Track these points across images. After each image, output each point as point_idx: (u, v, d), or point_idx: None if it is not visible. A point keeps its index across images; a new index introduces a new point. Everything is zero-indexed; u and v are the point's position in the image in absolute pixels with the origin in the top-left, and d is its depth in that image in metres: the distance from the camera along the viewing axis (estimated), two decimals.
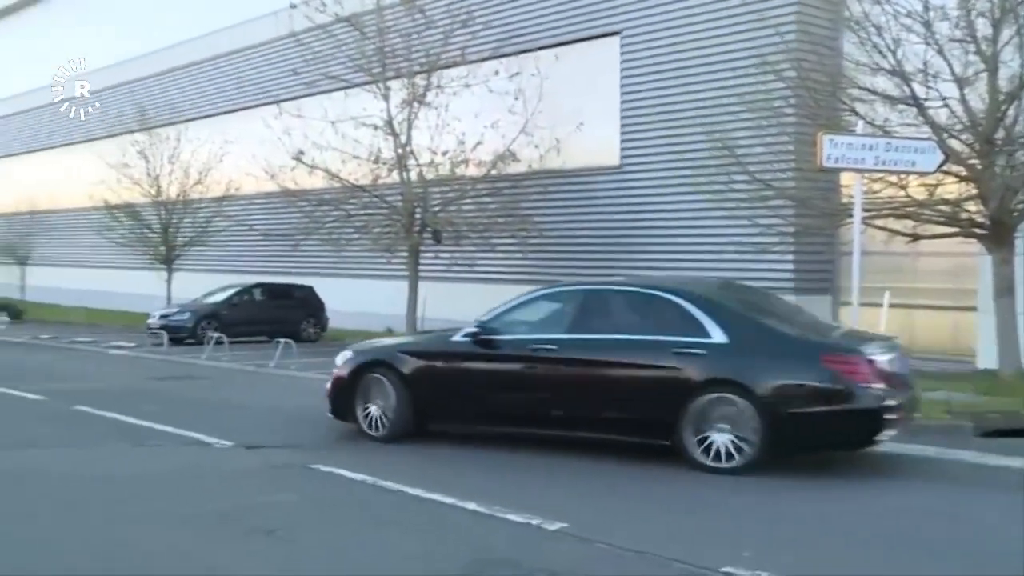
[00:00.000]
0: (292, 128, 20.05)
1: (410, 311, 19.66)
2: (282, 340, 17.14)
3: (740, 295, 8.24)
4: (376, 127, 19.18)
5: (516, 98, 19.12)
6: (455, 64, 19.19)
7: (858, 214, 10.42)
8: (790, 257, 16.10)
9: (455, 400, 8.47)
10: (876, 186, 12.85)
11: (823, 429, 7.08)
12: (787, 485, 7.06)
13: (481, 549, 5.39)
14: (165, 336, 21.00)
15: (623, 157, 19.05)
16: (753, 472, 7.25)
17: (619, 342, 7.69)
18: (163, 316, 22.83)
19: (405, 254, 19.73)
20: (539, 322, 8.26)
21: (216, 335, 18.97)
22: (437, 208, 19.32)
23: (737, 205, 14.43)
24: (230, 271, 29.14)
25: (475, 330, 8.41)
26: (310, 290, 23.89)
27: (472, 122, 19.09)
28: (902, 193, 12.94)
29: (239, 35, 29.75)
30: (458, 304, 18.47)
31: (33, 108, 42.90)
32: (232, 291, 23.47)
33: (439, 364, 8.54)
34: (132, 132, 28.87)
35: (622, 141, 19.01)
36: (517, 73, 19.28)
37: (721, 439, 7.26)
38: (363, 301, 24.22)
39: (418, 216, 19.26)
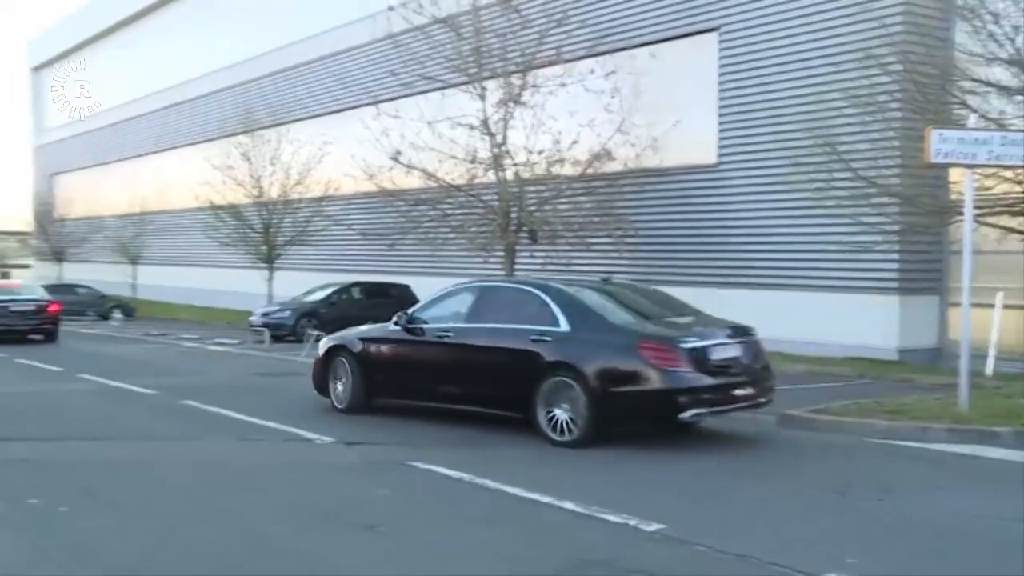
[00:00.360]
0: (390, 128, 20.30)
1: None
2: None
3: (612, 292, 9.30)
4: (472, 127, 19.26)
5: (612, 96, 19.10)
6: (551, 63, 19.17)
7: (969, 211, 10.15)
8: (895, 256, 15.72)
9: (389, 378, 10.17)
10: (989, 182, 12.47)
11: (636, 406, 8.21)
12: (897, 494, 6.98)
13: (578, 549, 5.39)
14: (267, 333, 21.52)
15: (720, 155, 18.82)
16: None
17: (494, 330, 9.10)
18: (265, 314, 23.42)
19: (501, 253, 19.80)
20: (448, 313, 9.76)
21: (315, 332, 19.29)
22: (533, 207, 19.32)
23: (838, 203, 14.15)
24: (328, 270, 29.76)
25: (405, 319, 10.07)
26: (406, 289, 24.20)
27: (568, 121, 19.08)
28: (1018, 188, 12.61)
29: (339, 38, 30.28)
30: None
31: (145, 113, 44.66)
32: (331, 290, 23.95)
33: (380, 348, 10.27)
34: (236, 135, 29.73)
35: (720, 138, 18.79)
36: (613, 72, 19.18)
37: (561, 415, 8.49)
38: None
39: (514, 215, 19.29)
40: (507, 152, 19.32)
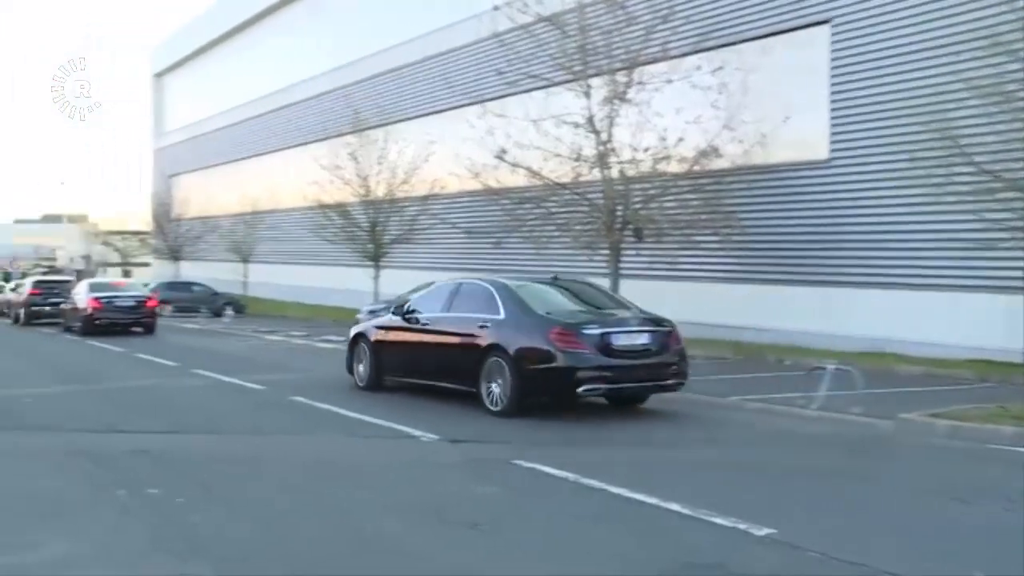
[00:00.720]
0: (495, 127, 20.37)
1: None
2: None
3: (552, 287, 11.44)
4: (577, 125, 19.17)
5: (719, 92, 18.79)
6: (656, 60, 18.95)
7: None
8: (1022, 254, 15.08)
9: (391, 359, 12.33)
10: None
11: (545, 381, 10.14)
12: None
13: (686, 552, 5.35)
14: None
15: (832, 150, 18.31)
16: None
17: (457, 318, 11.21)
18: (370, 311, 23.72)
19: (606, 252, 19.66)
20: (433, 304, 11.77)
21: None
22: (638, 205, 19.13)
23: (959, 199, 13.66)
24: (434, 268, 30.04)
25: (402, 309, 12.20)
26: None
27: (674, 118, 18.84)
28: None
29: (444, 38, 30.56)
30: (659, 303, 18.24)
31: (256, 116, 46.06)
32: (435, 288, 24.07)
33: (386, 335, 12.39)
34: (343, 135, 30.34)
35: (832, 133, 18.29)
36: (720, 67, 18.86)
37: (496, 389, 10.44)
38: None
39: (619, 213, 19.12)
40: (612, 150, 19.16)
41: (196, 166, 53.40)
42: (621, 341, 10.41)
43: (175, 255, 48.30)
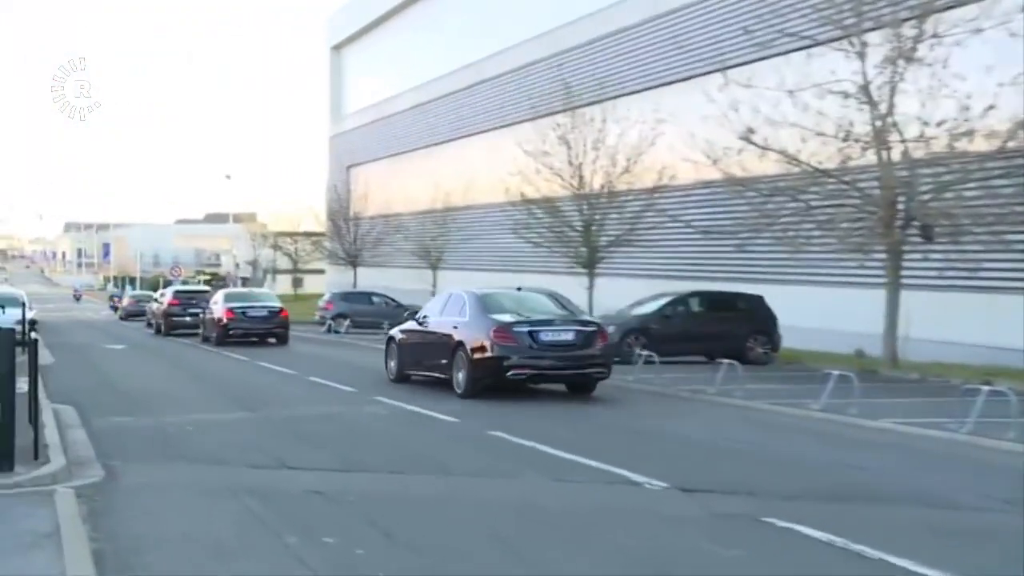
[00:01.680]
0: (740, 100, 20.09)
1: (889, 329, 18.82)
2: (724, 361, 17.37)
3: (511, 295, 17.81)
4: (847, 94, 18.62)
5: None
6: (959, 3, 17.99)
7: None
8: None
9: (408, 357, 18.50)
10: None
11: (486, 369, 16.06)
12: None
13: None
14: None
15: None
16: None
17: (442, 321, 17.41)
18: None
19: (882, 256, 18.98)
20: (434, 310, 18.23)
21: (645, 353, 19.51)
22: (927, 196, 18.34)
23: None
24: (660, 276, 29.90)
25: (418, 315, 18.71)
26: (759, 300, 23.74)
27: (982, 79, 17.71)
28: None
29: None
30: (955, 320, 17.43)
31: (447, 94, 47.43)
32: (664, 300, 23.96)
33: (406, 336, 18.73)
34: (552, 114, 30.66)
35: None
36: None
37: (460, 376, 16.37)
38: (826, 315, 23.82)
39: (901, 207, 18.45)
40: (894, 125, 18.46)
41: (378, 155, 55.63)
42: (547, 337, 16.37)
43: (353, 260, 50.44)
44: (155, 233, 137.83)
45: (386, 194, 51.11)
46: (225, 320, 30.73)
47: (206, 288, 46.16)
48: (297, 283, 75.52)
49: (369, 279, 49.49)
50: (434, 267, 42.87)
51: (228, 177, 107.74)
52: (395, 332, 19.47)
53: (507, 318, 16.55)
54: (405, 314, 37.56)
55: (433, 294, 43.22)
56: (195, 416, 14.36)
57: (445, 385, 16.89)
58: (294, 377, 20.22)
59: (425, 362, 17.93)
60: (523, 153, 30.60)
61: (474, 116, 44.76)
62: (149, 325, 41.88)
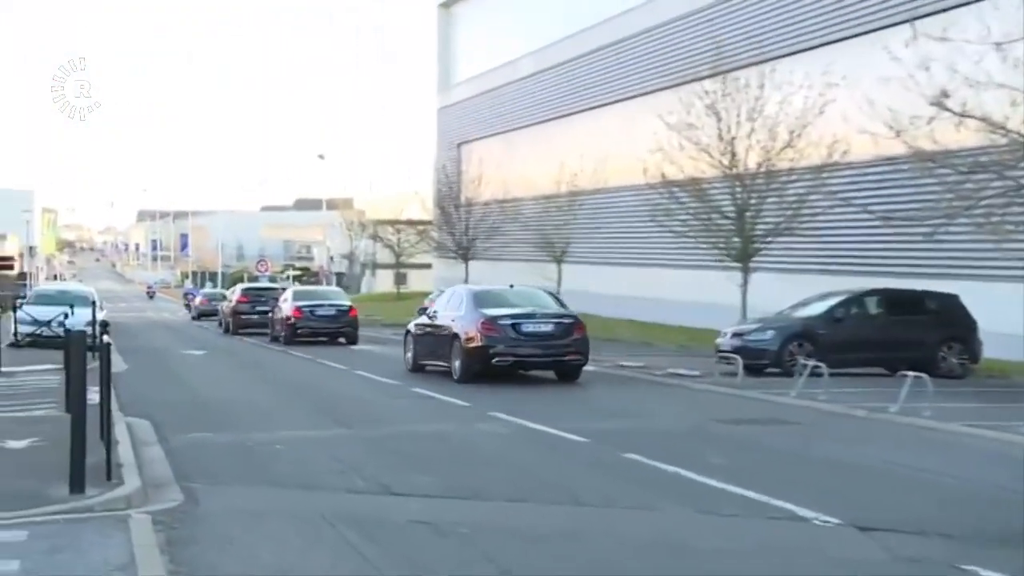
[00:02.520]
0: (932, 58, 19.61)
1: None
2: (909, 373, 16.94)
3: (504, 292, 23.70)
4: None
5: None
6: None
7: None
8: None
9: (419, 347, 23.85)
10: None
11: (476, 358, 21.49)
12: None
13: None
14: (739, 362, 21.60)
15: None
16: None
17: (445, 315, 23.05)
18: (737, 335, 23.47)
19: None
20: (442, 305, 24.08)
21: (811, 363, 19.10)
22: None
23: None
24: (827, 272, 29.49)
25: (428, 310, 25.02)
26: (953, 300, 23.34)
27: None
28: None
29: None
30: None
31: (572, 59, 47.48)
32: (835, 301, 23.49)
33: (418, 330, 24.18)
34: (699, 79, 30.31)
35: None
36: None
37: (456, 364, 22.00)
38: None
39: None
40: None
41: (492, 130, 55.95)
42: (528, 328, 21.68)
43: (464, 253, 50.75)
44: (239, 222, 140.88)
45: (502, 176, 51.25)
46: (293, 319, 34.63)
47: (275, 286, 50.61)
48: (400, 279, 76.33)
49: (482, 274, 49.65)
50: (558, 260, 42.61)
51: (321, 157, 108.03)
52: (411, 326, 25.08)
53: (494, 312, 21.94)
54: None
55: (557, 292, 43.40)
56: (283, 432, 14.64)
57: (566, 402, 18.77)
58: (390, 386, 20.81)
59: (434, 352, 23.27)
60: (664, 126, 30.34)
61: (605, 84, 44.64)
62: (220, 324, 45.81)
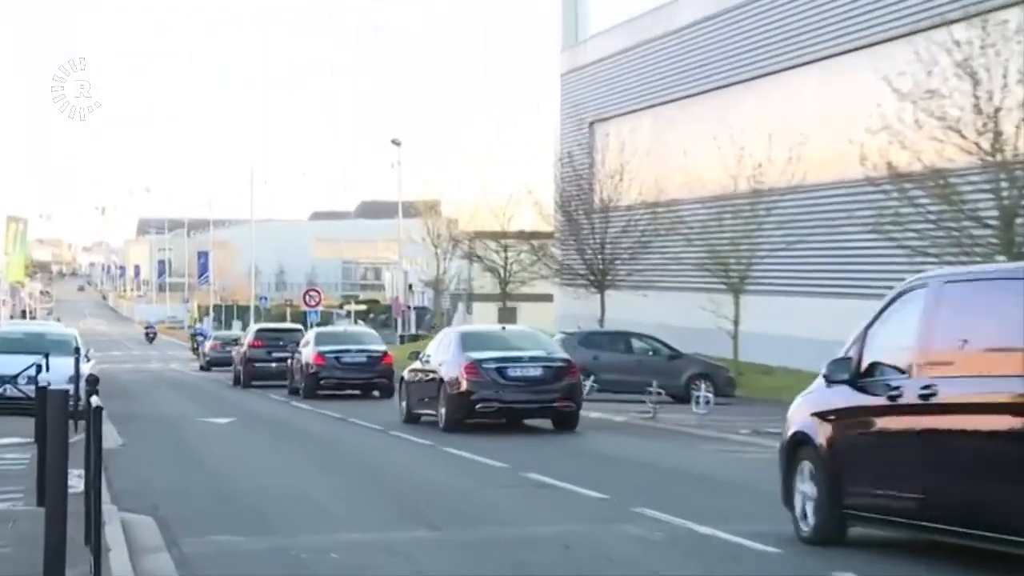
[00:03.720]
0: None
1: None
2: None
3: (493, 333, 32.65)
4: None
5: None
6: None
7: None
8: None
9: (411, 395, 30.92)
10: None
11: (459, 405, 28.05)
12: None
13: None
14: None
15: None
16: None
17: (433, 359, 30.16)
18: None
19: None
20: (434, 348, 31.06)
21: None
22: None
23: None
24: None
25: (422, 355, 31.84)
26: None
27: None
28: None
29: None
30: None
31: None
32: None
33: (412, 375, 31.14)
34: (946, 24, 29.88)
35: None
36: None
37: (442, 411, 28.36)
38: None
39: None
40: None
41: (639, 102, 56.10)
42: (514, 372, 27.53)
43: (598, 279, 50.49)
44: (280, 235, 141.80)
45: (654, 168, 51.05)
46: (315, 367, 38.96)
47: (294, 327, 54.16)
48: (507, 316, 75.85)
49: (625, 310, 49.41)
50: (736, 290, 42.23)
51: (396, 143, 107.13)
52: (405, 372, 31.33)
53: (479, 355, 27.75)
54: (688, 373, 37.79)
55: (735, 336, 42.91)
56: (341, 534, 14.62)
57: (727, 490, 19.03)
58: (492, 469, 20.93)
59: (423, 400, 29.48)
60: (892, 95, 29.98)
61: (804, 33, 44.41)
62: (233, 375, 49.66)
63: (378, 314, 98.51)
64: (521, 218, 71.45)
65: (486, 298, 78.28)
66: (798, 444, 14.61)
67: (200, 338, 79.67)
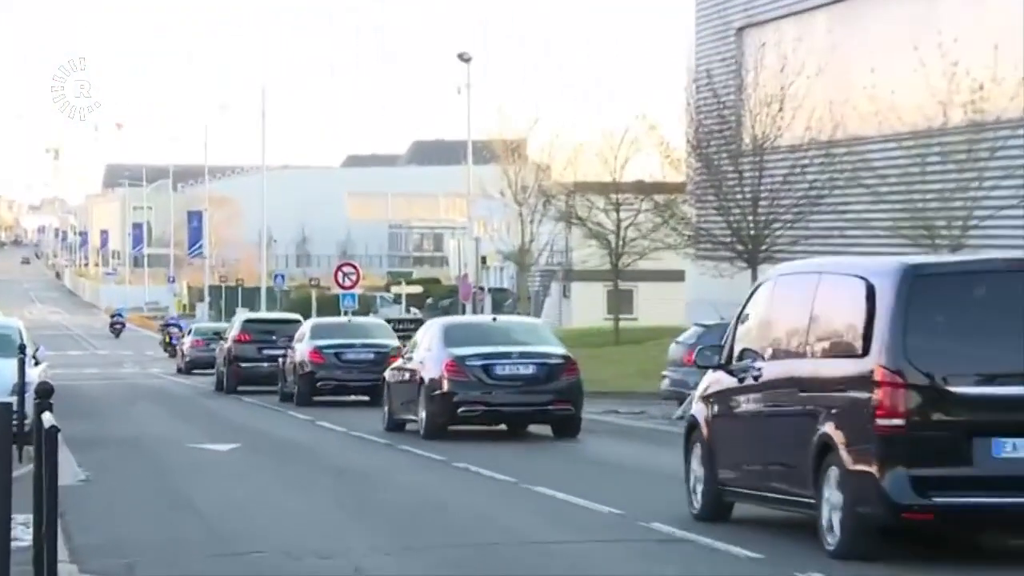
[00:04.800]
0: None
1: None
2: None
3: (482, 325, 41.71)
4: None
5: None
6: None
7: None
8: None
9: (396, 401, 37.90)
10: None
11: (440, 408, 34.07)
12: None
13: None
14: None
15: None
16: None
17: (417, 355, 37.14)
18: None
19: None
20: (418, 343, 38.31)
21: None
22: None
23: None
24: None
25: (404, 351, 42.19)
26: None
27: None
28: None
29: None
30: None
31: None
32: None
33: (395, 376, 38.45)
34: None
35: None
36: None
37: (422, 415, 34.54)
38: None
39: None
40: None
41: (804, 3, 55.80)
42: (503, 371, 33.09)
43: (749, 248, 50.39)
44: (303, 187, 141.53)
45: (829, 93, 50.90)
46: (310, 366, 42.51)
47: (295, 317, 57.21)
48: (620, 300, 75.61)
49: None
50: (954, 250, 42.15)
51: (464, 59, 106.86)
52: (387, 372, 36.24)
53: (463, 351, 32.16)
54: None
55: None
56: None
57: None
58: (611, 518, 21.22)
59: (407, 404, 33.72)
60: None
61: None
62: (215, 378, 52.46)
63: (438, 299, 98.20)
64: (640, 164, 70.90)
65: (590, 276, 78.02)
66: (691, 428, 21.27)
67: (175, 331, 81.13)
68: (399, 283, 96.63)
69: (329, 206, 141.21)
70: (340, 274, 68.15)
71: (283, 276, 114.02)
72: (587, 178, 74.47)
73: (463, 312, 74.80)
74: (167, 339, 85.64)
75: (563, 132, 79.22)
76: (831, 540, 17.24)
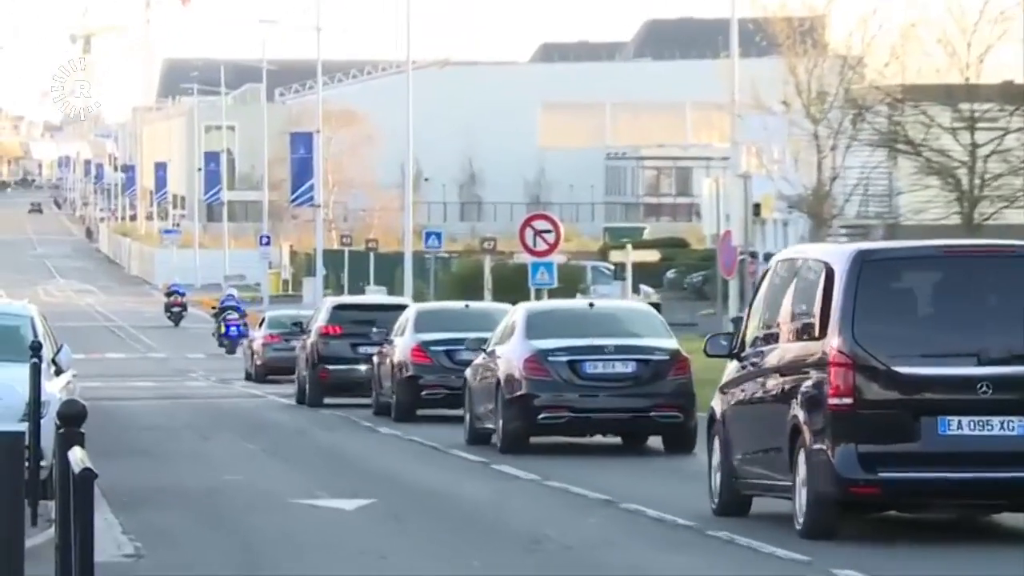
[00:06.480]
0: None
1: None
2: None
3: (587, 312, 52.52)
4: None
5: None
6: None
7: None
8: None
9: (479, 405, 54.32)
10: None
11: (516, 414, 45.53)
12: None
13: None
14: None
15: None
16: None
17: (497, 348, 53.45)
18: None
19: None
20: (499, 335, 55.99)
21: None
22: None
23: None
24: None
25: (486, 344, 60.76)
26: None
27: None
28: None
29: None
30: None
31: None
32: None
33: (476, 376, 55.94)
34: None
35: None
36: None
37: (499, 426, 47.81)
38: None
39: None
40: None
41: None
42: (594, 368, 42.90)
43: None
44: (470, 95, 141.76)
45: None
46: (411, 368, 48.33)
47: (403, 302, 63.68)
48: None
49: None
50: None
51: None
52: (467, 371, 43.06)
53: (547, 343, 36.98)
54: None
55: None
56: None
57: None
58: None
59: (488, 411, 38.81)
60: None
61: None
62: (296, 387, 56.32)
63: (685, 272, 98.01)
64: (1007, 57, 70.67)
65: (930, 233, 78.05)
66: (711, 421, 27.99)
67: (233, 317, 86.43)
68: (622, 247, 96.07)
69: (512, 125, 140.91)
70: (530, 232, 67.02)
71: (439, 235, 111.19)
72: (923, 80, 74.15)
73: (722, 296, 74.70)
74: (221, 328, 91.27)
75: (883, 6, 78.56)
76: (800, 521, 24.25)
